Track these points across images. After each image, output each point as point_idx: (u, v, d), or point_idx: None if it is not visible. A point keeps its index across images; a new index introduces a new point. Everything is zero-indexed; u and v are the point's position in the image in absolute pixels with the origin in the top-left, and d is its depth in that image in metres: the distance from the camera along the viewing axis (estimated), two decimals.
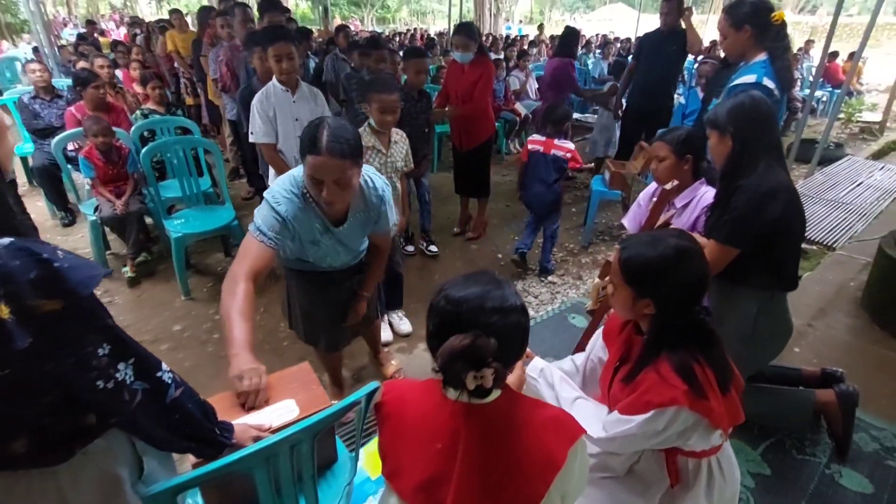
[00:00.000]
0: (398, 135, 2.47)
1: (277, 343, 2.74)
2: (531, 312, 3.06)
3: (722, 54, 5.06)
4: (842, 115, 7.34)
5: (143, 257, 3.31)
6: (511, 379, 1.29)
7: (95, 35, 9.32)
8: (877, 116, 7.46)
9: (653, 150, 2.11)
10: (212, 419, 1.00)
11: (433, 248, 3.70)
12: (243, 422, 1.16)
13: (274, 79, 2.57)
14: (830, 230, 3.88)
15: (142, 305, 3.04)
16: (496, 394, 0.92)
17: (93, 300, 0.80)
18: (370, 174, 1.71)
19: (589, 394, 1.39)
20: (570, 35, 4.71)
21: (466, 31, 3.37)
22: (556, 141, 3.21)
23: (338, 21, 22.24)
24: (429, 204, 3.64)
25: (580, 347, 2.32)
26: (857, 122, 7.39)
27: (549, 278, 3.47)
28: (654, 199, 2.00)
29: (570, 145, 3.25)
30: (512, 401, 0.93)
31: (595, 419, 1.20)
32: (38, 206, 4.39)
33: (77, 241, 3.82)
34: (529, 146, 3.30)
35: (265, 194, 1.58)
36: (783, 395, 1.83)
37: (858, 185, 4.87)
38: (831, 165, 5.43)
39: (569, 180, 4.46)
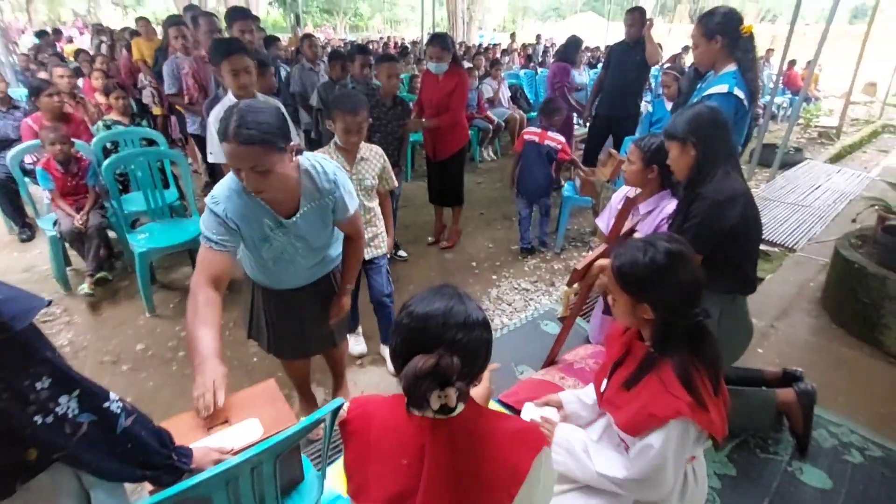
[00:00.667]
0: (370, 151, 2.34)
1: (247, 359, 2.68)
2: (504, 320, 3.08)
3: (687, 65, 5.23)
4: (801, 121, 7.66)
5: (103, 274, 3.20)
6: (477, 391, 1.30)
7: (58, 43, 9.05)
8: (834, 121, 7.81)
9: (629, 152, 2.16)
10: (168, 445, 0.97)
11: (402, 252, 3.71)
12: (205, 444, 1.12)
13: (230, 93, 2.45)
14: (791, 232, 4.02)
15: (103, 324, 2.94)
16: (460, 408, 0.92)
17: (30, 333, 0.78)
18: (318, 159, 1.60)
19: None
20: (571, 43, 4.93)
21: (440, 41, 3.37)
22: (549, 133, 3.58)
23: (310, 29, 22.14)
24: (395, 209, 3.55)
25: (552, 355, 2.35)
26: (816, 127, 7.72)
27: (523, 285, 3.50)
28: (619, 206, 2.04)
29: (561, 138, 3.62)
30: (476, 414, 0.94)
31: (617, 462, 1.21)
32: None
33: (36, 258, 3.67)
34: (525, 137, 3.66)
35: (206, 198, 1.51)
36: (747, 396, 1.88)
37: (817, 188, 5.08)
38: (792, 169, 5.65)
39: (557, 189, 4.49)
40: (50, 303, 0.82)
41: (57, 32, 10.23)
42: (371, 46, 12.62)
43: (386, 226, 2.48)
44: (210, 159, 2.50)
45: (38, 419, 0.75)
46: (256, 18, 5.80)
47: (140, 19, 5.81)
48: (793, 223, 4.19)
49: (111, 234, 3.33)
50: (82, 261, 3.19)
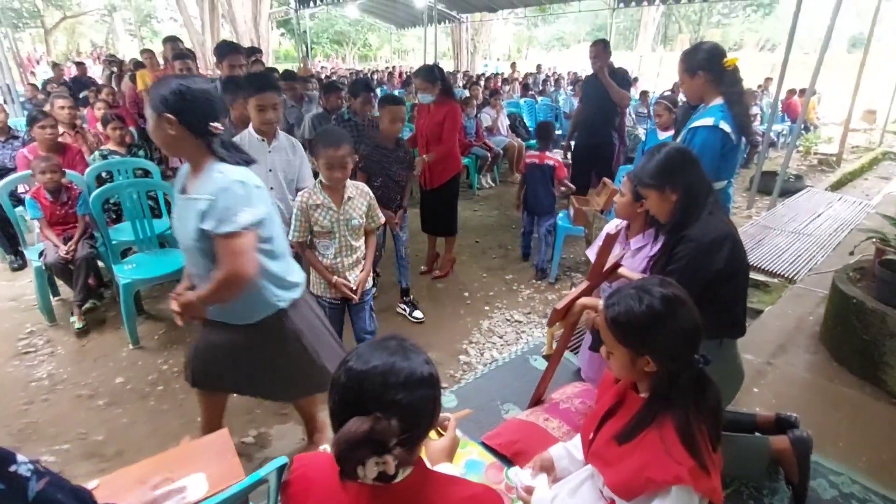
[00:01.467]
0: (356, 189, 2.26)
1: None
2: (495, 353, 3.00)
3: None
4: (801, 148, 7.64)
5: (91, 304, 3.17)
6: (440, 444, 1.22)
7: (67, 74, 9.30)
8: (834, 149, 7.77)
9: (622, 184, 2.11)
10: None
11: (418, 313, 3.28)
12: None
13: (250, 127, 2.45)
14: (792, 262, 3.93)
15: (84, 356, 2.89)
16: (406, 472, 0.85)
17: None
18: (227, 170, 1.43)
19: None
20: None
21: (424, 74, 3.44)
22: (546, 153, 3.95)
23: (319, 60, 22.70)
24: (406, 260, 3.31)
25: (538, 394, 2.26)
26: (816, 154, 7.68)
27: (516, 317, 3.42)
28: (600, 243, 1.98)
29: (558, 157, 4.06)
30: (423, 480, 0.86)
31: None
32: None
33: (25, 287, 3.66)
34: (527, 161, 4.01)
35: None
36: (738, 442, 1.77)
37: (818, 216, 5.00)
38: (792, 197, 5.58)
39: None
40: None
41: (56, 66, 10.48)
42: (376, 77, 12.91)
43: (366, 262, 2.41)
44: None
45: None
46: (259, 51, 5.91)
47: (144, 51, 5.95)
48: (793, 252, 4.11)
49: (101, 263, 3.32)
50: (70, 291, 3.17)
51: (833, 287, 2.68)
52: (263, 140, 2.44)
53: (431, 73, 3.42)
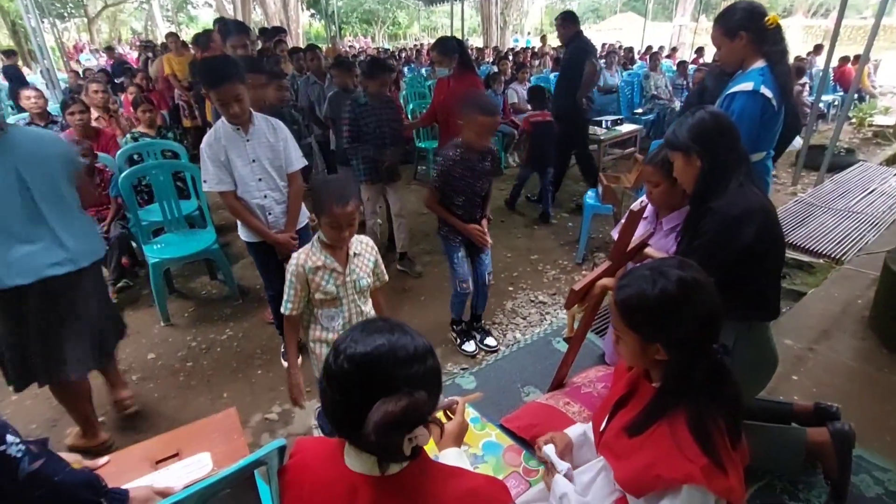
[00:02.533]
0: (361, 245, 1.84)
1: (252, 371, 2.66)
2: (518, 335, 2.95)
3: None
4: (854, 120, 7.10)
5: (124, 283, 3.28)
6: (449, 428, 1.17)
7: (108, 61, 9.58)
8: (891, 120, 7.18)
9: (644, 174, 1.99)
10: (97, 489, 0.91)
11: (491, 340, 2.82)
12: (150, 480, 1.07)
13: (222, 118, 2.22)
14: (839, 242, 3.67)
15: None
16: (404, 463, 0.81)
17: None
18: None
19: None
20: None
21: (440, 46, 3.40)
22: (546, 111, 4.48)
23: (348, 39, 22.58)
24: (487, 287, 2.75)
25: (559, 377, 2.19)
26: (870, 126, 7.12)
27: (540, 298, 3.34)
28: (647, 217, 1.88)
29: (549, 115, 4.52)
30: (423, 471, 0.82)
31: None
32: None
33: None
34: (532, 120, 4.42)
35: None
36: (772, 434, 1.67)
37: (871, 192, 4.64)
38: (842, 172, 5.21)
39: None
40: None
41: (109, 49, 10.84)
42: (403, 55, 12.74)
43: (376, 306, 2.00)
44: (205, 188, 2.27)
45: None
46: (283, 30, 5.88)
47: (169, 35, 6.04)
48: (841, 232, 3.83)
49: (134, 244, 3.42)
50: (105, 270, 3.28)
51: (885, 268, 2.47)
52: (238, 129, 2.21)
53: (447, 46, 3.34)
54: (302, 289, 1.74)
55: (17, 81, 6.87)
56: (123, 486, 0.99)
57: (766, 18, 1.98)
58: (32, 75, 12.82)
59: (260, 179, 2.30)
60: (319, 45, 6.97)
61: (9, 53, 8.21)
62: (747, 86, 1.94)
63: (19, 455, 0.80)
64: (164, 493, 1.03)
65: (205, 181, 2.25)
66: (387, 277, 1.96)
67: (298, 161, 2.40)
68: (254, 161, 2.26)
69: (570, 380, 2.22)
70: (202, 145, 2.23)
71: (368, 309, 1.91)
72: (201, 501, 0.87)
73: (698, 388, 0.99)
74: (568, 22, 4.24)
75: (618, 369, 1.31)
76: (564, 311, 3.18)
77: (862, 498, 1.65)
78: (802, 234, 3.80)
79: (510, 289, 3.46)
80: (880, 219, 4.03)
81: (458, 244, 2.57)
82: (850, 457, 1.58)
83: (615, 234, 2.37)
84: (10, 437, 0.81)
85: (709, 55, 9.59)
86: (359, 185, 2.12)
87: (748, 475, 1.70)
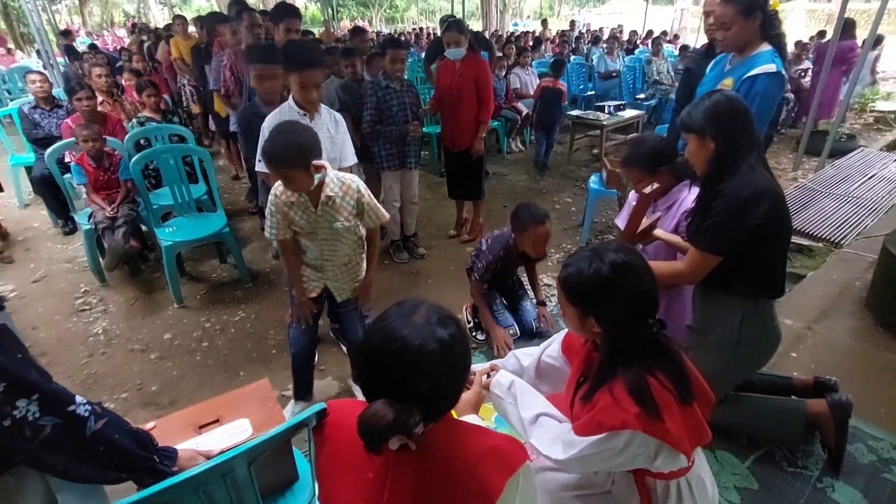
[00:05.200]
0: (342, 186, 1.80)
1: (266, 351, 2.73)
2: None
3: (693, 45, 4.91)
4: (856, 105, 7.12)
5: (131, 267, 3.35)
6: (467, 397, 1.25)
7: (105, 45, 9.45)
8: (892, 105, 7.21)
9: (626, 174, 2.08)
10: (149, 447, 0.98)
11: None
12: (194, 444, 1.14)
13: (291, 99, 2.24)
14: (839, 226, 3.74)
15: (134, 314, 3.06)
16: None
17: None
18: None
19: (544, 391, 1.36)
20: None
21: (457, 26, 3.34)
22: (558, 81, 5.29)
23: (345, 24, 22.26)
24: (536, 332, 2.67)
25: None
26: (872, 112, 7.15)
27: (545, 280, 3.41)
28: (634, 203, 1.94)
29: (564, 85, 5.38)
30: (447, 431, 0.88)
31: (554, 441, 1.16)
32: (41, 215, 4.47)
33: (77, 250, 3.86)
34: (543, 84, 5.31)
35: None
36: (773, 405, 1.75)
37: (871, 177, 4.70)
38: (843, 158, 5.26)
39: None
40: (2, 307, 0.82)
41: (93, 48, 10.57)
42: (402, 38, 12.62)
43: (368, 268, 2.07)
44: (258, 167, 2.22)
45: None
46: (300, 15, 5.85)
47: (177, 17, 5.96)
48: (841, 216, 3.90)
49: (144, 228, 3.46)
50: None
51: (883, 250, 2.54)
52: (305, 115, 2.23)
53: (463, 26, 3.35)
54: (283, 218, 1.82)
55: None
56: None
57: (770, 2, 1.99)
58: (27, 59, 12.68)
59: None
60: (312, 31, 6.89)
61: None
62: (770, 67, 1.92)
63: (86, 414, 0.87)
64: (206, 455, 1.10)
65: (258, 160, 2.09)
66: (384, 217, 1.93)
67: (351, 157, 2.42)
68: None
69: None
70: (264, 125, 2.18)
71: (347, 250, 1.93)
72: (252, 458, 0.95)
73: (632, 356, 1.08)
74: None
75: (569, 347, 1.38)
76: None
77: (857, 465, 1.74)
78: (803, 218, 3.86)
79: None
80: (879, 203, 4.10)
81: (495, 299, 2.73)
82: (847, 426, 1.67)
83: (618, 222, 2.44)
84: (78, 398, 0.88)
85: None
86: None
87: (751, 445, 1.81)
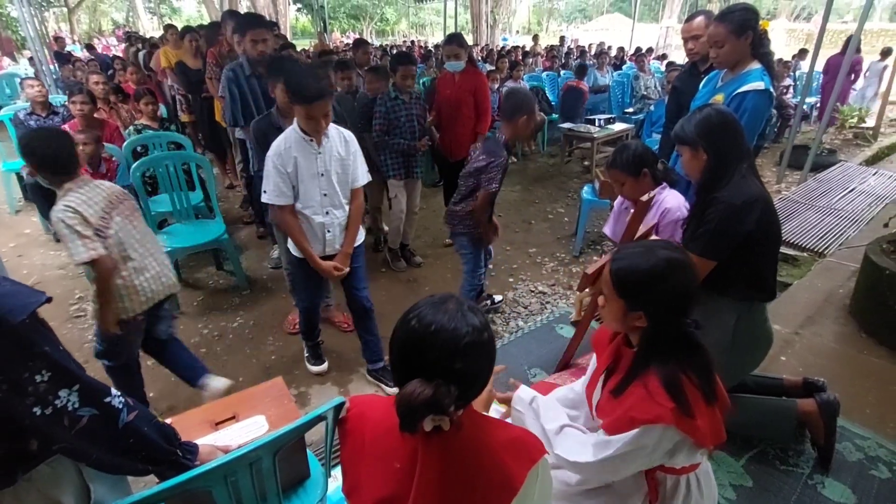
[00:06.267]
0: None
1: (265, 357, 2.74)
2: (520, 323, 3.06)
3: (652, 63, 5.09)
4: (836, 122, 7.38)
5: None
6: (479, 397, 1.29)
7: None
8: (870, 122, 7.49)
9: (610, 175, 2.17)
10: (173, 441, 1.00)
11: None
12: (212, 440, 1.16)
13: (295, 123, 2.06)
14: (822, 237, 3.87)
15: None
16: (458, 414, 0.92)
17: (28, 327, 0.79)
18: None
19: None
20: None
21: (457, 40, 3.47)
22: (581, 82, 6.43)
23: (336, 36, 22.42)
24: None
25: (565, 358, 2.33)
26: (851, 128, 7.42)
27: (540, 288, 3.47)
28: (631, 209, 2.02)
29: (586, 86, 6.47)
30: (472, 422, 0.92)
31: (582, 445, 1.18)
32: (32, 221, 4.43)
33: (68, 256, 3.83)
34: (568, 84, 6.54)
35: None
36: (765, 405, 1.82)
37: (851, 190, 4.88)
38: (824, 172, 5.44)
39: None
40: (50, 299, 0.84)
41: (89, 48, 10.60)
42: (395, 51, 12.76)
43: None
44: (264, 198, 2.11)
45: (38, 410, 0.78)
46: (275, 24, 5.84)
47: (168, 27, 5.98)
48: (823, 227, 4.04)
49: None
50: None
51: (865, 258, 2.65)
52: (312, 140, 2.06)
53: (463, 39, 3.45)
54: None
55: None
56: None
57: (760, 22, 2.11)
58: (14, 66, 12.56)
59: (325, 195, 2.15)
60: (306, 45, 6.91)
61: None
62: (758, 85, 2.02)
63: (120, 406, 0.89)
64: (224, 450, 1.13)
65: (265, 192, 2.10)
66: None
67: (364, 176, 2.28)
68: (322, 175, 2.11)
69: (575, 361, 2.35)
70: (269, 154, 2.07)
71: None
72: (277, 448, 0.98)
73: (668, 354, 1.13)
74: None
75: (597, 343, 1.41)
76: (564, 301, 3.32)
77: (845, 462, 1.82)
78: (787, 229, 3.99)
79: (510, 280, 3.59)
80: (860, 215, 4.25)
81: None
82: (836, 424, 1.74)
83: (606, 231, 2.53)
84: (113, 390, 0.90)
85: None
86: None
87: (745, 444, 1.86)
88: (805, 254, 3.67)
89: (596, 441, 1.16)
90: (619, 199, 2.37)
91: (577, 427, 1.26)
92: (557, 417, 1.28)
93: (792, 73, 7.23)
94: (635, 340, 1.22)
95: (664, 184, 2.10)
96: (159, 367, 2.63)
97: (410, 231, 3.73)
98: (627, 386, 1.15)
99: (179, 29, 5.71)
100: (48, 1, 21.49)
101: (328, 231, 2.19)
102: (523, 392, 1.34)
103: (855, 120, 7.25)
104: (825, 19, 4.77)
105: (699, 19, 2.56)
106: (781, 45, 16.82)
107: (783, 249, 3.71)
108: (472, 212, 2.59)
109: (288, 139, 2.06)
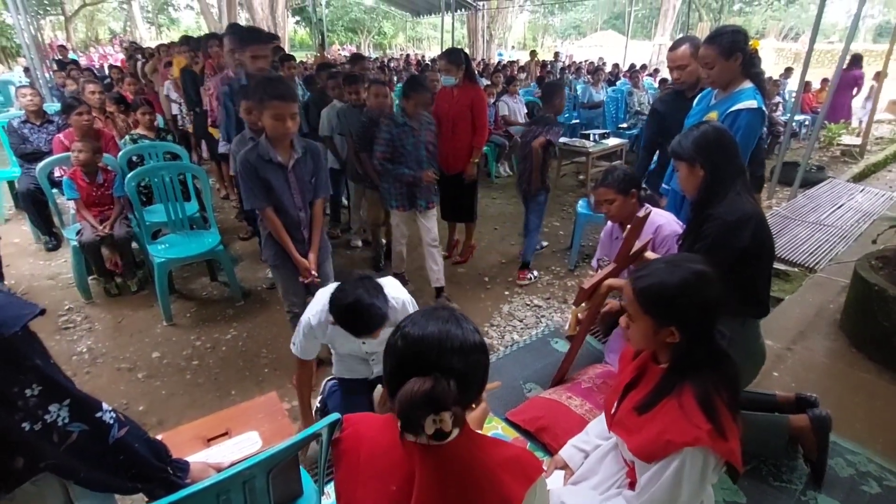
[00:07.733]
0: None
1: (258, 369, 2.71)
2: (515, 336, 3.07)
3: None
4: (823, 139, 7.51)
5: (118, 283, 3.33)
6: (474, 414, 1.29)
7: (92, 62, 9.41)
8: (857, 140, 7.63)
9: (599, 195, 2.20)
10: (163, 458, 0.99)
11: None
12: (204, 456, 1.15)
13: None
14: (812, 252, 3.92)
15: (121, 332, 3.02)
16: (455, 433, 0.91)
17: (20, 340, 0.77)
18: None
19: None
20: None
21: (449, 56, 3.49)
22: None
23: (335, 48, 22.59)
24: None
25: (561, 373, 2.32)
26: (839, 145, 7.55)
27: (535, 301, 3.48)
28: (620, 239, 2.05)
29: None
30: (470, 440, 0.91)
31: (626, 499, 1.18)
32: (22, 230, 4.39)
33: (61, 266, 3.80)
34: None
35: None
36: (758, 421, 1.82)
37: (839, 207, 4.95)
38: (813, 188, 5.53)
39: None
40: (43, 311, 0.82)
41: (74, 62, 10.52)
42: (392, 65, 12.87)
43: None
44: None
45: (27, 426, 0.76)
46: (276, 37, 5.91)
47: (185, 38, 5.97)
48: (814, 243, 4.09)
49: (134, 244, 3.44)
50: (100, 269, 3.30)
51: (855, 274, 2.69)
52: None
53: (457, 56, 3.46)
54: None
55: None
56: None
57: (751, 42, 2.16)
58: (7, 73, 12.54)
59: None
60: (304, 57, 6.95)
61: None
62: (751, 104, 2.06)
63: (111, 422, 0.88)
64: (217, 468, 1.11)
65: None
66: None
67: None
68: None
69: (570, 376, 2.35)
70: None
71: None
72: (271, 466, 0.97)
73: (702, 367, 1.12)
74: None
75: (623, 357, 1.42)
76: (560, 314, 3.33)
77: (837, 478, 1.82)
78: (779, 244, 4.04)
79: (506, 293, 3.59)
80: (849, 231, 4.32)
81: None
82: (828, 439, 1.75)
83: (594, 263, 2.54)
84: (104, 405, 0.89)
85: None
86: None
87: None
88: (796, 269, 3.71)
89: (641, 482, 1.14)
90: (607, 228, 2.41)
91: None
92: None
93: (781, 92, 7.37)
94: (664, 357, 1.21)
95: (646, 205, 2.12)
96: (149, 379, 2.62)
97: (437, 269, 3.32)
98: (656, 403, 1.15)
99: (172, 40, 5.73)
100: (45, 9, 21.54)
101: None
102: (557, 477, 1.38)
103: (841, 137, 7.39)
104: (812, 39, 4.88)
105: (683, 48, 2.57)
106: (770, 63, 17.17)
107: (775, 265, 3.75)
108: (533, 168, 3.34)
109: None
